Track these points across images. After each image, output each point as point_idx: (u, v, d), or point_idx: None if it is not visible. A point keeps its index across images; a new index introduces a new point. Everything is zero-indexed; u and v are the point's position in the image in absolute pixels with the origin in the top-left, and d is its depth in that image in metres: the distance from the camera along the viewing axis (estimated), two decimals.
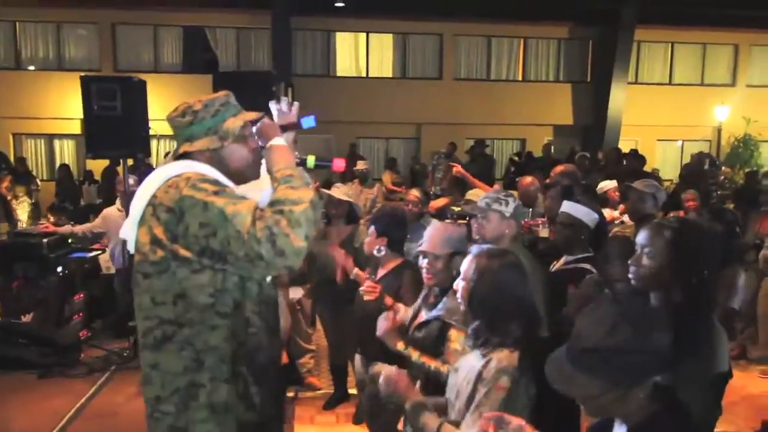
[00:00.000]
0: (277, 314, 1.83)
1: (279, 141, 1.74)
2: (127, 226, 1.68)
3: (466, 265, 1.89)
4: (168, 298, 1.58)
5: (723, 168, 11.88)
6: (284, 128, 2.11)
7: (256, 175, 1.75)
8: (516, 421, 1.37)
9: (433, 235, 2.48)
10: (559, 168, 4.45)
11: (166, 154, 1.81)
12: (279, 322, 1.84)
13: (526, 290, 1.84)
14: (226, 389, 1.61)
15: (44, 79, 13.50)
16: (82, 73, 5.24)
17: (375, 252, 3.09)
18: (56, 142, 14.49)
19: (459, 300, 1.92)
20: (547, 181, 4.34)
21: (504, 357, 1.74)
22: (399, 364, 2.45)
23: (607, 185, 5.08)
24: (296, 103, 2.06)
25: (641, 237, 1.88)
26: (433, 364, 2.20)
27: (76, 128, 13.55)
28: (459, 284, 1.90)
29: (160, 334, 1.59)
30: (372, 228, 3.10)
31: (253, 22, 14.04)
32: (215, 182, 1.60)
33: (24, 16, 13.70)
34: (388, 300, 2.83)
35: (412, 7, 13.36)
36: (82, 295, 5.31)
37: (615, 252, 2.59)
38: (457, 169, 4.30)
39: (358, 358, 3.25)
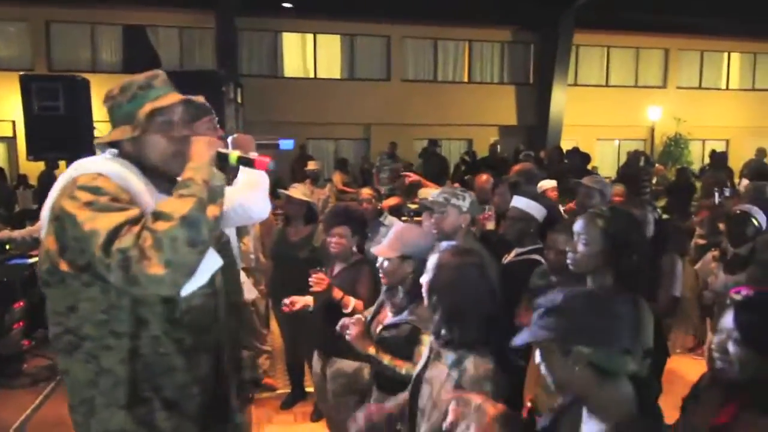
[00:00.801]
0: (218, 328, 1.66)
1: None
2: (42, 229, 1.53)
3: (430, 261, 1.91)
4: (62, 309, 1.47)
5: (656, 165, 12.55)
6: (262, 146, 2.12)
7: (179, 169, 1.49)
8: (476, 399, 1.43)
9: (390, 238, 2.47)
10: (517, 167, 4.62)
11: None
12: (218, 336, 1.66)
13: (486, 290, 1.82)
14: (122, 415, 1.47)
15: None
16: (15, 73, 5.03)
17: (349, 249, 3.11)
18: None
19: (424, 294, 1.92)
20: (506, 178, 4.48)
21: (478, 363, 1.73)
22: (363, 362, 2.49)
23: (546, 184, 5.25)
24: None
25: (577, 225, 2.05)
26: (404, 366, 2.21)
27: (7, 130, 12.89)
28: (424, 277, 1.91)
29: (67, 341, 1.48)
30: (346, 228, 3.09)
31: (196, 21, 13.75)
32: (95, 189, 1.40)
33: None
34: (337, 293, 2.86)
35: (360, 8, 13.44)
36: (22, 303, 5.07)
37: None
38: (411, 178, 4.39)
39: (315, 355, 3.27)
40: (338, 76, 15.34)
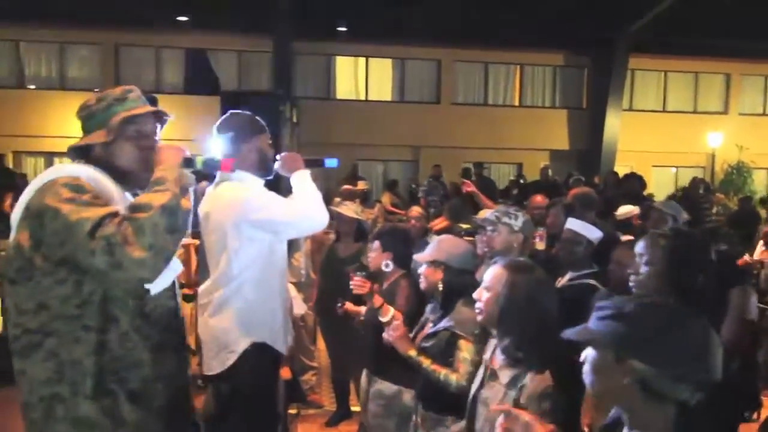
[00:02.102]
0: (177, 328, 1.74)
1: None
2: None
3: (492, 275, 1.84)
4: (30, 307, 1.51)
5: (717, 194, 12.06)
6: (308, 163, 2.20)
7: (146, 176, 1.61)
8: (525, 416, 1.39)
9: (431, 245, 2.56)
10: (575, 190, 4.53)
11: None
12: (179, 336, 1.76)
13: (555, 306, 1.78)
14: (88, 405, 1.53)
15: (46, 98, 13.61)
16: (87, 93, 5.31)
17: (383, 267, 3.13)
18: (56, 161, 14.52)
19: (478, 309, 1.88)
20: (560, 200, 4.39)
21: (538, 381, 1.69)
22: (408, 371, 2.48)
23: (631, 210, 5.07)
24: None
25: (639, 247, 2.00)
26: (442, 372, 2.22)
27: None
28: (482, 294, 1.85)
29: (26, 341, 1.52)
30: (377, 243, 3.15)
31: (254, 45, 14.25)
32: (77, 188, 1.51)
33: (27, 36, 13.88)
34: (377, 299, 2.85)
35: (411, 32, 13.63)
36: None
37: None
38: (468, 187, 4.33)
39: (364, 374, 3.26)
40: (389, 99, 15.54)
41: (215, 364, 2.27)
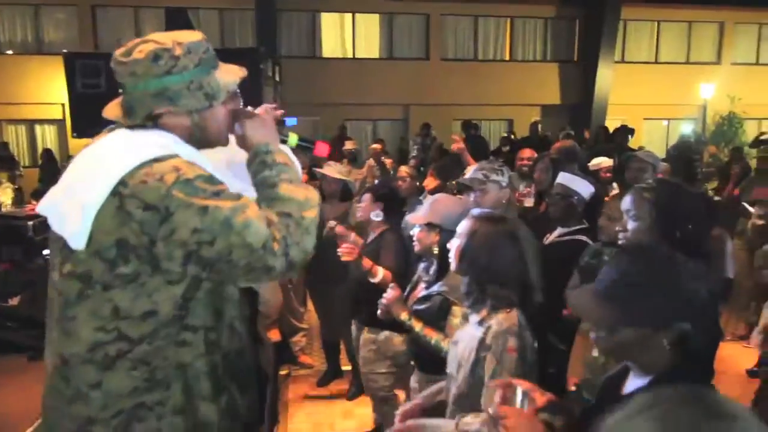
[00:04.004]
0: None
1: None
2: (74, 214, 1.28)
3: (462, 225, 1.92)
4: (135, 313, 1.31)
5: (708, 145, 11.99)
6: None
7: (225, 142, 1.47)
8: (524, 385, 1.36)
9: (425, 206, 2.51)
10: (558, 144, 4.45)
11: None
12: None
13: (518, 256, 1.83)
14: (206, 406, 1.40)
15: (23, 63, 13.22)
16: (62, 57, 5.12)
17: (373, 217, 3.12)
18: (37, 128, 14.21)
19: (450, 258, 1.94)
20: (546, 154, 4.31)
21: (503, 318, 1.75)
22: (399, 332, 2.48)
23: (602, 162, 5.01)
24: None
25: (625, 203, 1.95)
26: (434, 337, 2.22)
27: (57, 113, 13.30)
28: (453, 242, 1.92)
29: (114, 350, 1.31)
30: (367, 195, 3.13)
31: (237, 2, 13.81)
32: (210, 178, 1.31)
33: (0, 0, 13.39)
34: (366, 262, 2.87)
35: None
36: None
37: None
38: (457, 145, 4.21)
39: (353, 328, 3.26)
40: (376, 56, 15.19)
41: None
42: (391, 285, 2.42)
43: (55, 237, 1.36)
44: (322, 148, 1.64)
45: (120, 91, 1.40)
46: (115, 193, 1.26)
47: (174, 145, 1.35)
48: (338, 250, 2.87)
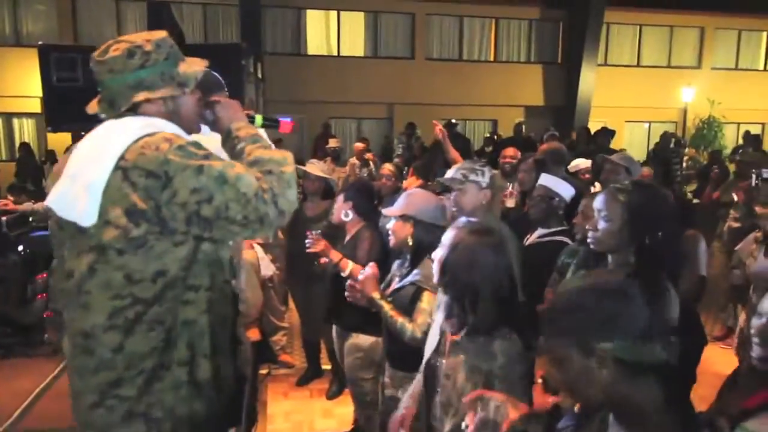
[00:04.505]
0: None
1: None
2: (81, 195, 1.41)
3: (448, 235, 1.83)
4: (147, 275, 1.42)
5: (688, 149, 12.17)
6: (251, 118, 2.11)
7: (198, 129, 1.63)
8: (497, 397, 1.35)
9: (399, 200, 2.53)
10: (545, 146, 4.44)
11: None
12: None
13: (503, 272, 1.74)
14: (206, 365, 1.51)
15: (1, 55, 12.93)
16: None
17: (342, 217, 3.12)
18: (15, 121, 13.93)
19: (434, 269, 1.86)
20: (531, 155, 4.31)
21: (506, 348, 1.67)
22: (372, 318, 2.47)
23: (581, 164, 5.04)
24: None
25: (597, 202, 1.91)
26: (399, 320, 2.26)
27: (35, 106, 13.03)
28: (437, 252, 1.84)
29: (132, 314, 1.43)
30: (341, 196, 3.13)
31: None
32: (197, 144, 1.45)
33: None
34: (334, 255, 2.87)
35: None
36: (45, 275, 5.13)
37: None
38: (440, 127, 4.13)
39: (334, 330, 3.23)
40: (361, 54, 15.14)
41: None
42: (370, 264, 2.42)
43: (63, 226, 1.48)
44: (286, 126, 1.77)
45: (99, 89, 1.55)
46: (118, 167, 1.39)
47: (159, 123, 1.50)
48: (305, 241, 2.87)
